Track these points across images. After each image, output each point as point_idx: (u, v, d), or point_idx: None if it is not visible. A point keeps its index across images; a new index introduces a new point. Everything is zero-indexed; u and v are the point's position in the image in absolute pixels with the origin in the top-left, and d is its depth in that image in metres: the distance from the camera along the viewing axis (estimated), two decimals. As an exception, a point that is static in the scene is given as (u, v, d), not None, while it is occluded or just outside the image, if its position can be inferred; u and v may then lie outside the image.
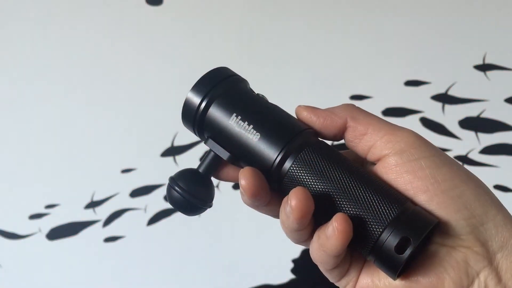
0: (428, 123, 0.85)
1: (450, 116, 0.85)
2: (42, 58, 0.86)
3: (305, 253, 0.88)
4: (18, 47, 0.86)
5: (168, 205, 0.89)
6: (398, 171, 0.30)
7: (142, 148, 0.88)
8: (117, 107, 0.87)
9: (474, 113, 0.85)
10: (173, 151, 0.87)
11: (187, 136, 0.87)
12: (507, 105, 0.84)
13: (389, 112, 0.85)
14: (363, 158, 0.32)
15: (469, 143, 0.85)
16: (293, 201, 0.28)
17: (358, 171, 0.30)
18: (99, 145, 0.88)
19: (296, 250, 0.89)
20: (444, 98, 0.85)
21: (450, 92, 0.85)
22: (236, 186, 0.86)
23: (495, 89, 0.84)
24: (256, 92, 0.35)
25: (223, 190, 0.86)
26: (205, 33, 0.85)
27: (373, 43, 0.85)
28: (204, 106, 0.33)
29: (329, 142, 0.33)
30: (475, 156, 0.85)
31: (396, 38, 0.85)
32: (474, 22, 0.84)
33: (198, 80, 0.33)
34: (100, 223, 0.90)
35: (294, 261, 0.89)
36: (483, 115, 0.85)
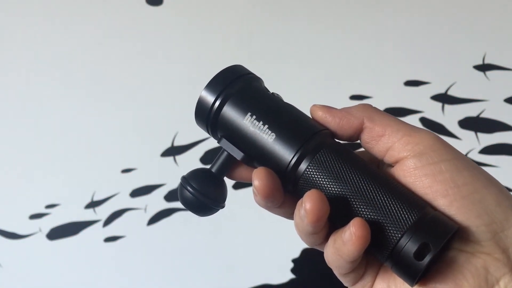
0: (428, 123, 0.85)
1: (450, 116, 0.85)
2: (42, 58, 0.86)
3: (305, 253, 0.88)
4: (17, 47, 0.86)
5: (168, 205, 0.89)
6: (417, 174, 0.29)
7: (142, 148, 0.88)
8: (117, 107, 0.87)
9: (473, 113, 0.85)
10: (173, 151, 0.87)
11: (187, 136, 0.87)
12: (507, 105, 0.84)
13: (389, 112, 0.85)
14: (379, 160, 0.32)
15: (468, 143, 0.85)
16: (308, 204, 0.28)
17: (376, 174, 0.29)
18: (99, 145, 0.88)
19: (296, 250, 0.89)
20: (444, 98, 0.85)
21: (450, 92, 0.85)
22: (236, 186, 0.86)
23: (494, 89, 0.84)
24: (271, 91, 0.34)
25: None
26: (205, 33, 0.86)
27: (373, 43, 0.85)
28: (218, 105, 0.32)
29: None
30: (474, 156, 0.85)
31: (396, 38, 0.85)
32: (474, 22, 0.84)
33: (212, 78, 0.33)
34: (100, 223, 0.90)
35: (294, 261, 0.89)
36: (482, 115, 0.85)
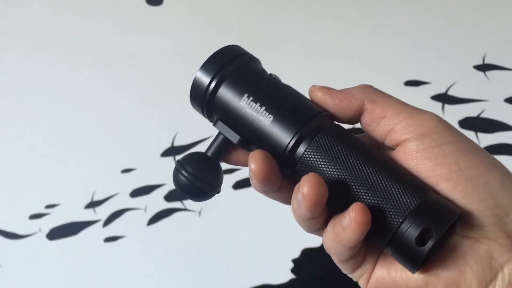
0: (428, 123, 0.85)
1: (450, 116, 0.85)
2: (42, 58, 0.86)
3: (305, 253, 0.88)
4: (17, 47, 0.86)
5: (168, 205, 0.89)
6: (419, 157, 0.28)
7: (142, 148, 0.88)
8: (117, 107, 0.87)
9: (474, 113, 0.85)
10: (173, 151, 0.87)
11: (187, 136, 0.87)
12: (507, 105, 0.84)
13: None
14: (380, 142, 0.31)
15: (469, 143, 0.85)
16: (305, 188, 0.27)
17: (377, 157, 0.29)
18: (99, 145, 0.88)
19: (296, 250, 0.88)
20: (444, 98, 0.85)
21: (450, 92, 0.85)
22: (236, 186, 0.86)
23: (495, 89, 0.84)
24: (269, 72, 0.33)
25: (223, 189, 0.86)
26: (205, 33, 0.85)
27: (373, 43, 0.85)
28: (214, 86, 0.31)
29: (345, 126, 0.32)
30: (475, 156, 0.85)
31: (396, 38, 0.85)
32: (474, 22, 0.84)
33: (208, 58, 0.32)
34: (100, 223, 0.90)
35: (294, 261, 0.89)
36: (483, 115, 0.85)
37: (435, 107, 0.85)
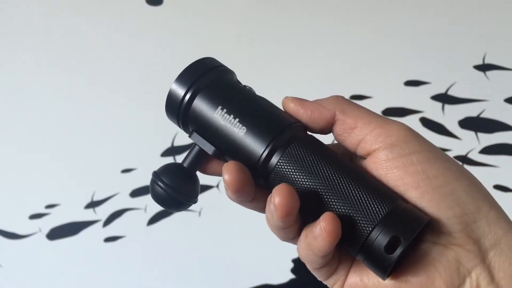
0: (428, 123, 0.85)
1: (450, 116, 0.85)
2: (42, 58, 0.86)
3: (305, 253, 0.88)
4: (17, 47, 0.86)
5: (168, 205, 0.89)
6: (388, 167, 0.29)
7: (142, 148, 0.88)
8: (117, 107, 0.87)
9: (474, 113, 0.85)
10: (173, 151, 0.87)
11: (187, 136, 0.87)
12: (507, 105, 0.84)
13: (389, 112, 0.85)
14: (352, 152, 0.31)
15: (469, 143, 0.85)
16: (277, 198, 0.27)
17: (348, 167, 0.29)
18: (99, 145, 0.88)
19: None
20: (444, 98, 0.85)
21: (450, 92, 0.85)
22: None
23: (495, 89, 0.84)
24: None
25: (223, 190, 0.86)
26: (205, 33, 0.85)
27: (373, 43, 0.85)
28: (189, 98, 0.32)
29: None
30: (475, 156, 0.85)
31: (396, 38, 0.85)
32: (474, 22, 0.84)
33: (183, 71, 0.33)
34: (100, 223, 0.90)
35: (294, 261, 0.89)
36: (483, 115, 0.85)
37: (435, 107, 0.85)
